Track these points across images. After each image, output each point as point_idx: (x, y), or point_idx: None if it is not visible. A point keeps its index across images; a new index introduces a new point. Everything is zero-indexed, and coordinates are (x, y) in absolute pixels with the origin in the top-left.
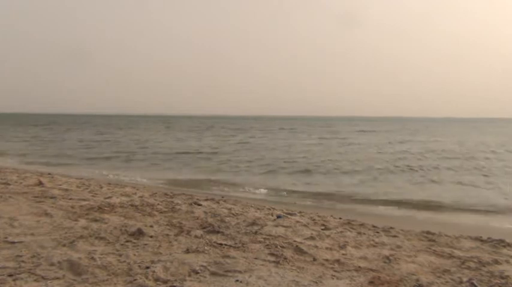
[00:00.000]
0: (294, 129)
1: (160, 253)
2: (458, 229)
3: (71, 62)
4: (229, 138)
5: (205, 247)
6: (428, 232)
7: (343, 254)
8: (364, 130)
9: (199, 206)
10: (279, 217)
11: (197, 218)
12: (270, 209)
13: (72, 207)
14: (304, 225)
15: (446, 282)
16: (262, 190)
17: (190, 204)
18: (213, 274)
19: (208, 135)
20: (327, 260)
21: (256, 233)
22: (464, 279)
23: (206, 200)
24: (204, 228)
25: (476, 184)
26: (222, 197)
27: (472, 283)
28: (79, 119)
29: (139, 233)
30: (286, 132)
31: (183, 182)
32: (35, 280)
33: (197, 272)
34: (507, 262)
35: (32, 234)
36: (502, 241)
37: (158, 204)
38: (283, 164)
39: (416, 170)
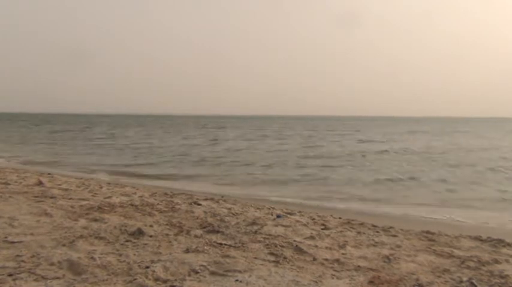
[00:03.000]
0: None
1: (160, 253)
2: (458, 229)
3: (71, 62)
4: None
5: (205, 247)
6: (428, 232)
7: (342, 253)
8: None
9: (199, 206)
10: (278, 216)
11: (197, 218)
12: (269, 208)
13: (72, 207)
14: (304, 224)
15: (446, 281)
16: None
17: (190, 204)
18: (213, 273)
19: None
20: (326, 259)
21: (256, 232)
22: (464, 278)
23: (206, 199)
24: (203, 228)
25: None
26: (222, 196)
27: (472, 283)
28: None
29: (139, 232)
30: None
31: None
32: (35, 280)
33: (197, 272)
34: (507, 261)
35: (32, 234)
36: (501, 240)
37: (158, 204)
38: None
39: None
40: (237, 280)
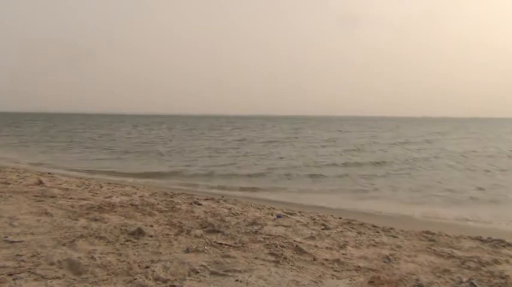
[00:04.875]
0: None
1: (160, 253)
2: (458, 229)
3: (71, 61)
4: None
5: (205, 247)
6: (428, 232)
7: (343, 253)
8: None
9: (200, 206)
10: (279, 216)
11: (197, 218)
12: (270, 208)
13: (72, 206)
14: (304, 225)
15: (446, 282)
16: None
17: (191, 203)
18: (213, 273)
19: None
20: (326, 259)
21: (256, 232)
22: (464, 279)
23: (206, 199)
24: (204, 228)
25: None
26: (222, 196)
27: (472, 283)
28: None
29: (139, 232)
30: None
31: None
32: (35, 279)
33: (197, 272)
34: (507, 262)
35: (32, 233)
36: (501, 241)
37: (158, 203)
38: None
39: None
40: (237, 280)
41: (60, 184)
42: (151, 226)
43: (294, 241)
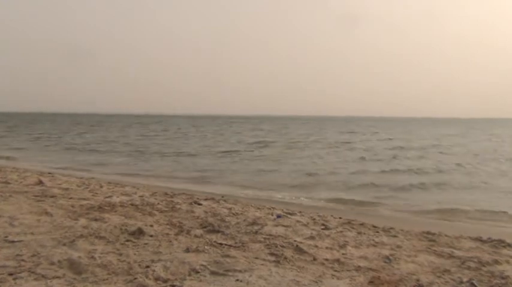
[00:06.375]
0: None
1: (161, 252)
2: (459, 229)
3: (71, 61)
4: None
5: (206, 247)
6: (428, 232)
7: (343, 253)
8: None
9: (200, 206)
10: (279, 216)
11: (197, 218)
12: (270, 208)
13: (73, 206)
14: (304, 225)
15: (446, 282)
16: None
17: (191, 203)
18: (213, 273)
19: None
20: (327, 259)
21: (256, 232)
22: (465, 279)
23: (206, 199)
24: (204, 227)
25: None
26: (222, 196)
27: (472, 283)
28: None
29: (140, 232)
30: None
31: None
32: (35, 279)
33: (197, 272)
34: (507, 262)
35: (32, 233)
36: (502, 241)
37: (158, 203)
38: None
39: None
40: (237, 280)
41: (60, 184)
42: (152, 225)
43: (294, 241)
